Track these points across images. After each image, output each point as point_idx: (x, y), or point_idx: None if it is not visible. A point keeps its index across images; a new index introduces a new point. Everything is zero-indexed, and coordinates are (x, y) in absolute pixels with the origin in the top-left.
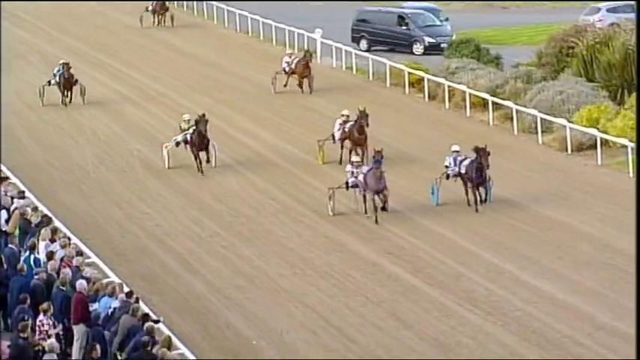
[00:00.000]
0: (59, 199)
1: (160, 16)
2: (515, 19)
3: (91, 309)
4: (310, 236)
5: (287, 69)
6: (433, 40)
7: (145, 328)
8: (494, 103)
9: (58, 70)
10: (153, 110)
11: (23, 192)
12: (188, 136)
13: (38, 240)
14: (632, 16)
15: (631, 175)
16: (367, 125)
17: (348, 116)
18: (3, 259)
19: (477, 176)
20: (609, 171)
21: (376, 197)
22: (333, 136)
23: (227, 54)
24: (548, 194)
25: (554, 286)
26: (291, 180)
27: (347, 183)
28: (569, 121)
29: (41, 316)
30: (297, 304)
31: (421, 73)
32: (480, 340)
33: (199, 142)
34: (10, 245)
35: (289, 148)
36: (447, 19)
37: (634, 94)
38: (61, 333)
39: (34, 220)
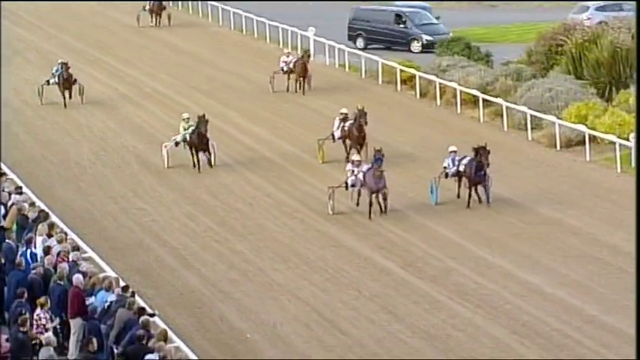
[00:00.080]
0: (56, 194)
1: (157, 16)
2: (505, 18)
3: (87, 303)
4: (304, 231)
5: (285, 68)
6: (431, 38)
7: (140, 321)
8: (484, 100)
9: (57, 70)
10: (149, 107)
11: (20, 187)
12: (187, 136)
13: (35, 235)
14: (621, 14)
15: (619, 170)
16: (366, 124)
17: (346, 114)
18: (1, 254)
19: (476, 175)
20: (597, 167)
21: (374, 196)
22: (332, 135)
23: (221, 51)
24: (538, 189)
25: (543, 280)
26: (284, 176)
27: (346, 183)
28: (558, 118)
29: (38, 310)
30: (291, 298)
31: (413, 71)
32: (470, 333)
33: (198, 142)
34: (7, 240)
35: (283, 145)
36: (438, 18)
37: (622, 91)
38: (58, 326)
39: (31, 215)
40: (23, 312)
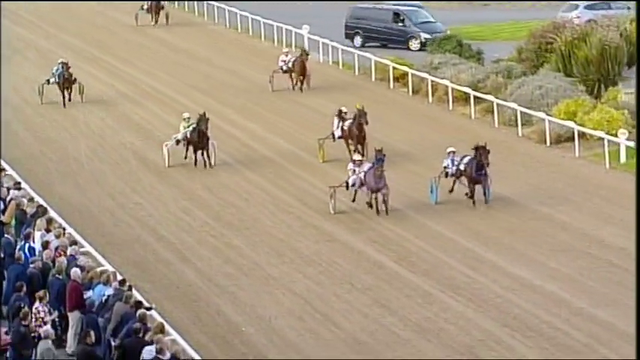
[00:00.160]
0: (54, 190)
1: (156, 15)
2: (496, 16)
3: (85, 296)
4: (300, 227)
5: (284, 68)
6: (429, 36)
7: (137, 315)
8: (475, 97)
9: (57, 70)
10: (147, 105)
11: (19, 183)
12: (188, 134)
13: (34, 230)
14: (610, 12)
15: (607, 166)
16: (366, 123)
17: (345, 112)
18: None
19: (476, 174)
20: (586, 162)
21: (373, 196)
22: (332, 134)
23: (218, 50)
24: (528, 185)
25: (533, 274)
26: (280, 173)
27: (347, 182)
28: (548, 115)
29: (37, 304)
30: (285, 292)
31: (405, 68)
32: (462, 326)
33: (198, 140)
34: (6, 235)
35: (279, 142)
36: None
37: (610, 89)
38: (56, 320)
39: (30, 210)
40: (22, 305)
